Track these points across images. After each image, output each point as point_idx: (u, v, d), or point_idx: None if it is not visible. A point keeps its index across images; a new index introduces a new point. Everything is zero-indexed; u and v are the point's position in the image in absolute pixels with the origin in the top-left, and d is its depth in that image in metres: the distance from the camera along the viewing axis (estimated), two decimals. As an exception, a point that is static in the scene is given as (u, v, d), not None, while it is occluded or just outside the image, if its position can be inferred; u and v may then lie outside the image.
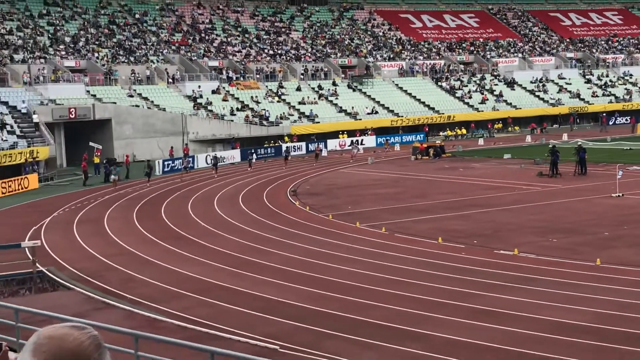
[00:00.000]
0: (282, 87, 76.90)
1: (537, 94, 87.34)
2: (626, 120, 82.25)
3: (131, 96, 67.40)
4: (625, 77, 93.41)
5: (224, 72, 76.42)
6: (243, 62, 79.10)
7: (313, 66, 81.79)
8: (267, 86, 76.44)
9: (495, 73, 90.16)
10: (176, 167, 55.28)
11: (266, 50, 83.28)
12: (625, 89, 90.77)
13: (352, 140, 69.87)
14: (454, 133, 76.09)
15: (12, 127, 56.12)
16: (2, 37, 69.74)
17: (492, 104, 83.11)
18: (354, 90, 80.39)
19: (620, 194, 35.84)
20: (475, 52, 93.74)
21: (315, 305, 19.67)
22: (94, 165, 54.87)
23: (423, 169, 51.70)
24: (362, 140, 70.54)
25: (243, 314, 19.14)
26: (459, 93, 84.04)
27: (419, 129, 75.08)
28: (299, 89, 77.49)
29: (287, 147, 62.63)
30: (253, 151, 61.09)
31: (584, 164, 44.27)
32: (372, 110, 76.66)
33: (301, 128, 70.82)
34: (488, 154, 58.70)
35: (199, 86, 71.74)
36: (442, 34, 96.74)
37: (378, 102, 78.54)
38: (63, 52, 70.69)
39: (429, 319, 18.15)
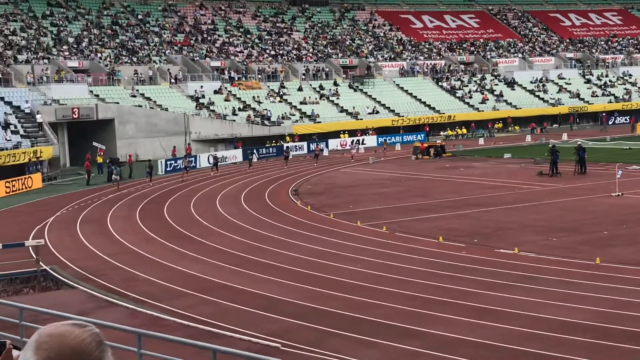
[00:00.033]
0: (283, 87, 77.26)
1: (537, 94, 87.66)
2: (626, 120, 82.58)
3: (134, 96, 67.76)
4: (625, 77, 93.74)
5: (226, 72, 76.80)
6: (245, 63, 79.47)
7: (314, 66, 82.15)
8: (268, 86, 76.79)
9: (495, 73, 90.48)
10: (178, 167, 55.59)
11: (268, 51, 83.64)
12: (625, 88, 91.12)
13: (352, 140, 70.26)
14: (455, 133, 76.41)
15: (15, 127, 56.34)
16: (5, 37, 70.11)
17: (492, 103, 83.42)
18: (355, 90, 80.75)
19: (620, 193, 35.88)
20: (475, 52, 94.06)
21: (316, 304, 19.72)
22: (97, 164, 55.13)
23: (424, 168, 51.79)
24: (363, 140, 70.91)
25: (245, 312, 19.19)
26: (459, 93, 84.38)
27: (420, 128, 75.38)
28: (300, 89, 77.85)
29: (286, 147, 63.05)
30: (252, 151, 61.33)
31: (583, 163, 44.34)
32: (373, 110, 77.02)
33: (303, 128, 71.16)
34: (488, 154, 58.80)
35: (201, 86, 72.08)
36: (443, 34, 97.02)
37: (379, 102, 78.88)
38: (66, 53, 71.08)
39: (430, 317, 18.18)
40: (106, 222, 34.63)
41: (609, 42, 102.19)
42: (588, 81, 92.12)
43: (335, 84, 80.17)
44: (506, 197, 37.70)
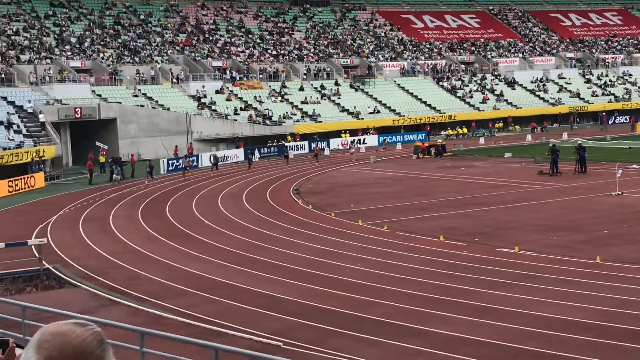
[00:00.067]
0: (285, 87, 77.50)
1: (537, 93, 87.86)
2: (625, 119, 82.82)
3: (136, 96, 68.01)
4: (625, 77, 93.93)
5: (228, 72, 77.03)
6: (246, 62, 79.70)
7: (316, 66, 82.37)
8: (270, 86, 77.02)
9: (496, 73, 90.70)
10: (180, 166, 55.85)
11: (269, 51, 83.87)
12: (625, 88, 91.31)
13: (351, 140, 70.46)
14: (455, 132, 76.70)
15: (18, 126, 56.56)
16: (8, 37, 70.35)
17: (492, 103, 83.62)
18: (356, 90, 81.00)
19: (620, 193, 36.00)
20: (476, 52, 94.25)
21: (318, 302, 19.78)
22: (99, 164, 55.35)
23: (424, 167, 51.92)
24: (364, 139, 71.14)
25: (247, 311, 19.25)
26: (460, 93, 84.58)
27: (421, 128, 75.58)
28: (301, 88, 78.09)
29: (286, 146, 63.12)
30: (252, 151, 61.47)
31: (583, 162, 44.48)
32: (374, 110, 77.26)
33: (304, 127, 71.40)
34: (489, 153, 58.97)
35: (203, 86, 72.34)
36: (444, 34, 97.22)
37: (380, 102, 79.12)
38: (69, 53, 71.31)
39: (431, 316, 18.22)
40: (108, 221, 34.73)
41: (609, 42, 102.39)
42: (588, 81, 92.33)
43: (337, 83, 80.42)
44: (507, 196, 37.79)
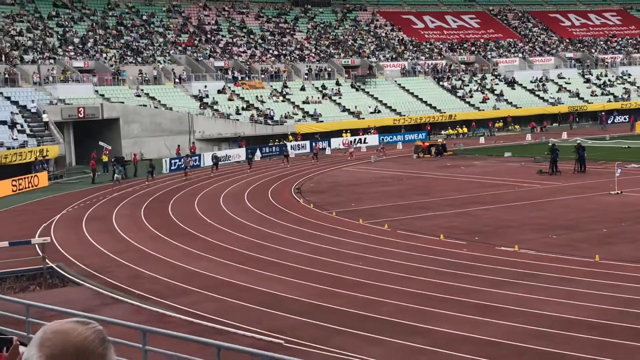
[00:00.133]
0: (286, 86, 77.88)
1: (537, 93, 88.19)
2: (625, 119, 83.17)
3: (139, 96, 68.37)
4: (624, 77, 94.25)
5: (230, 72, 77.40)
6: (248, 63, 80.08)
7: (317, 66, 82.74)
8: (271, 86, 77.39)
9: (495, 73, 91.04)
10: (182, 166, 56.11)
11: (271, 51, 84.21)
12: (624, 88, 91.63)
13: (350, 140, 70.73)
14: (456, 132, 77.05)
15: (22, 126, 56.71)
16: (12, 38, 70.69)
17: (492, 103, 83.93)
18: (357, 89, 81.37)
19: (619, 192, 36.18)
20: (476, 52, 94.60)
21: (320, 301, 19.82)
22: (102, 163, 55.55)
23: (425, 167, 52.09)
24: (364, 139, 71.48)
25: (249, 309, 19.30)
26: (460, 92, 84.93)
27: (421, 127, 75.84)
28: (303, 88, 78.48)
29: (285, 146, 63.42)
30: (252, 151, 61.71)
31: (583, 162, 44.66)
32: (375, 110, 77.63)
33: (305, 127, 71.75)
34: (489, 152, 59.18)
35: (205, 86, 72.72)
36: (444, 34, 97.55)
37: (381, 102, 79.48)
38: (72, 53, 71.66)
39: (434, 315, 18.23)
40: (111, 220, 34.78)
41: (608, 42, 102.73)
42: (587, 81, 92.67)
43: (338, 83, 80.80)
44: (506, 195, 37.86)
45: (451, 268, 22.96)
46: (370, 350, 15.93)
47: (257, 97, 74.54)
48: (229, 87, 74.72)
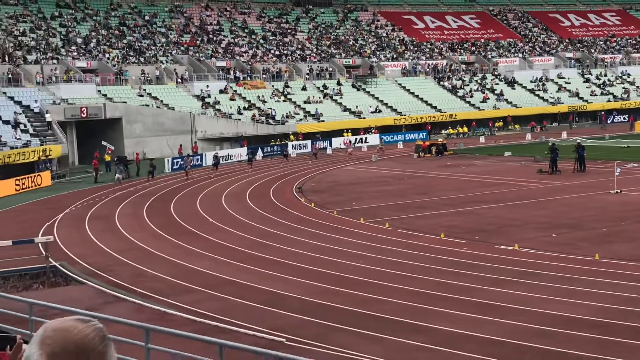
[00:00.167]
0: (287, 86, 78.18)
1: (537, 93, 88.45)
2: (624, 118, 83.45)
3: (141, 96, 68.65)
4: (623, 77, 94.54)
5: (232, 72, 77.69)
6: (250, 63, 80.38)
7: (318, 66, 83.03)
8: (273, 86, 77.68)
9: (496, 73, 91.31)
10: (183, 165, 56.29)
11: (272, 51, 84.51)
12: (623, 88, 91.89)
13: (349, 140, 71.01)
14: (456, 131, 77.37)
15: (25, 126, 56.94)
16: (15, 38, 70.99)
17: (493, 102, 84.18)
18: (358, 89, 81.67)
19: (619, 191, 36.25)
20: (476, 52, 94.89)
21: (321, 299, 19.83)
22: (105, 163, 55.68)
23: (425, 166, 52.20)
24: (365, 138, 71.80)
25: (251, 308, 19.31)
26: (460, 92, 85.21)
27: (422, 127, 76.04)
28: (304, 88, 78.76)
29: (285, 145, 63.67)
30: (253, 150, 61.83)
31: (582, 161, 44.78)
32: (376, 109, 77.93)
33: (307, 127, 72.04)
34: (489, 152, 59.27)
35: (207, 86, 73.02)
36: (444, 34, 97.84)
37: (382, 101, 79.75)
38: (75, 53, 71.97)
39: (435, 313, 18.24)
40: (114, 219, 34.81)
41: (608, 42, 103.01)
42: (587, 80, 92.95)
43: (339, 83, 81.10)
44: (506, 194, 37.89)
45: (452, 267, 23.03)
46: (371, 349, 15.98)
47: (258, 97, 74.84)
48: (231, 87, 75.03)
